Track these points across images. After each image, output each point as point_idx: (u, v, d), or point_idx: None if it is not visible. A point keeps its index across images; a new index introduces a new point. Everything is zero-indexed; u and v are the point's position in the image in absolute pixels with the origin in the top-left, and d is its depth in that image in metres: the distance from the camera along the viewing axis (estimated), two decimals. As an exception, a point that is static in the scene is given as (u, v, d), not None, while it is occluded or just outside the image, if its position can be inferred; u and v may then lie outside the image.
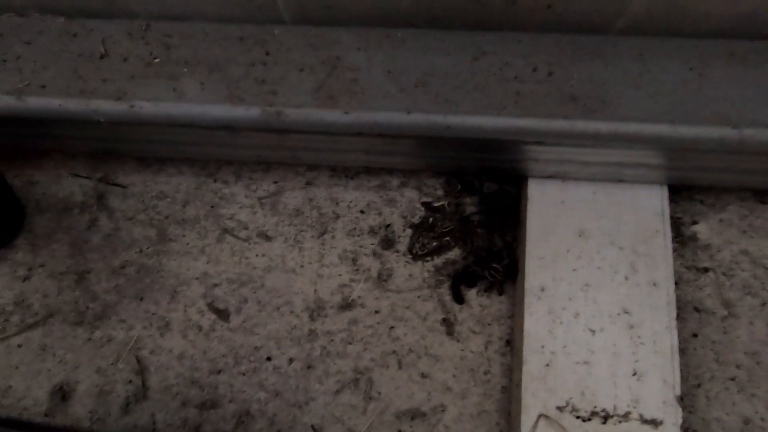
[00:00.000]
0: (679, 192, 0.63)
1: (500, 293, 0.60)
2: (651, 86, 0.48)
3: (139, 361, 0.60)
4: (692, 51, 0.49)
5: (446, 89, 0.48)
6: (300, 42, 0.51)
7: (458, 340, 0.59)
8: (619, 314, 0.54)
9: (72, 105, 0.50)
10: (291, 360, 0.59)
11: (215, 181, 0.67)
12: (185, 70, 0.51)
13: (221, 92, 0.49)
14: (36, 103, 0.50)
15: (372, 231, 0.64)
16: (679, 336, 0.56)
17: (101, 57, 0.51)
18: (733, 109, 0.46)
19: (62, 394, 0.59)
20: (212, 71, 0.50)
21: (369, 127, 0.49)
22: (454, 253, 0.62)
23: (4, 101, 0.50)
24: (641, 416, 0.51)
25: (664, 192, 0.59)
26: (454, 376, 0.58)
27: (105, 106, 0.50)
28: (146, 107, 0.50)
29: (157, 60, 0.51)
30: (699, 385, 0.56)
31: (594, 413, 0.51)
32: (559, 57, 0.49)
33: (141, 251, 0.64)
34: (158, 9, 0.53)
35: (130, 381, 0.59)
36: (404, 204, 0.64)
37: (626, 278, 0.55)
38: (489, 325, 0.59)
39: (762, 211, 0.62)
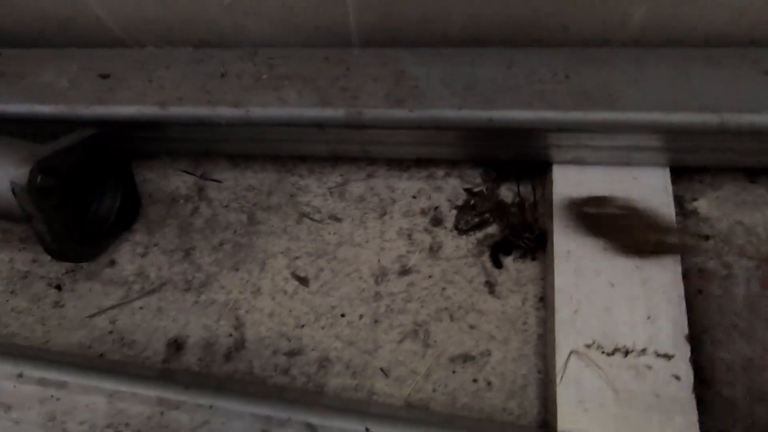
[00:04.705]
0: (681, 174, 0.75)
1: (533, 259, 0.72)
2: (646, 84, 0.61)
3: (237, 318, 0.74)
4: (677, 57, 0.63)
5: (487, 91, 0.63)
6: (372, 60, 0.67)
7: (499, 298, 0.71)
8: (633, 270, 0.66)
9: (202, 111, 0.66)
10: (361, 316, 0.72)
11: (292, 175, 0.82)
12: (286, 83, 0.66)
13: (314, 98, 0.65)
14: (176, 111, 0.66)
15: (423, 212, 0.77)
16: (686, 292, 0.67)
17: (222, 76, 0.68)
18: (711, 99, 0.59)
19: (176, 345, 0.73)
20: (306, 83, 0.66)
21: (428, 121, 0.63)
22: (493, 228, 0.75)
23: (153, 111, 0.66)
24: (656, 351, 0.61)
25: (666, 173, 0.71)
26: (497, 327, 0.69)
27: (226, 112, 0.66)
28: (257, 111, 0.65)
29: (264, 76, 0.67)
30: (706, 331, 0.66)
31: (616, 349, 0.62)
32: (574, 65, 0.64)
33: (235, 232, 0.79)
34: (263, 39, 0.69)
35: (230, 335, 0.73)
36: (449, 190, 0.78)
37: (638, 242, 0.67)
38: (524, 285, 0.71)
39: (752, 189, 0.74)
